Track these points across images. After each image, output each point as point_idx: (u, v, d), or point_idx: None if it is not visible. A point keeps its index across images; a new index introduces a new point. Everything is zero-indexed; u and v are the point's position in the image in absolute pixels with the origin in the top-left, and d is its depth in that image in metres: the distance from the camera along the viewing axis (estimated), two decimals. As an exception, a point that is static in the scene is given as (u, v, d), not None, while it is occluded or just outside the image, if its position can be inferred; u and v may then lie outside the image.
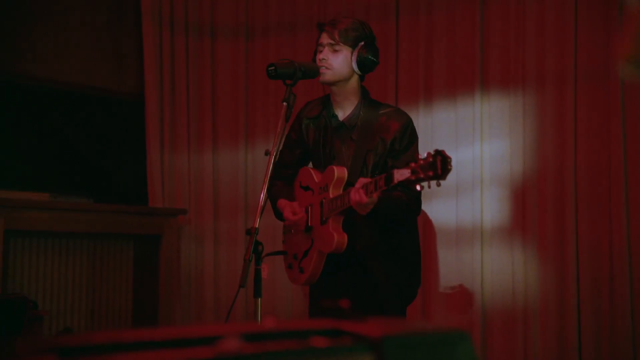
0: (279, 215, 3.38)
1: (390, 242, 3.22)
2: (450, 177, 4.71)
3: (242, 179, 5.60)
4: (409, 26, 5.08)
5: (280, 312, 5.33)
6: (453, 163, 4.68)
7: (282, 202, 3.34)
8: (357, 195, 2.90)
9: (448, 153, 4.72)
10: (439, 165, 2.59)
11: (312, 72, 3.16)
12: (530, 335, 4.53)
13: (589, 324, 4.37)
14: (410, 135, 3.23)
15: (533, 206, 4.57)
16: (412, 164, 2.67)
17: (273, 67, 3.07)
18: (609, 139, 4.37)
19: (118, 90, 5.53)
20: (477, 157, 4.74)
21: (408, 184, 2.69)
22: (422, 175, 2.63)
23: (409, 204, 3.15)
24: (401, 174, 2.70)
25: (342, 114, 3.32)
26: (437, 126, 4.90)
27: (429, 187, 2.65)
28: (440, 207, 4.80)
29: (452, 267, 4.77)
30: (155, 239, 5.15)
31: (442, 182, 2.64)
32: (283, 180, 3.47)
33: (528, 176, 4.60)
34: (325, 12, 5.38)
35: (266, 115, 5.61)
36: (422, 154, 2.67)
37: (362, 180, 2.93)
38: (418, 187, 2.66)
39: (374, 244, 3.18)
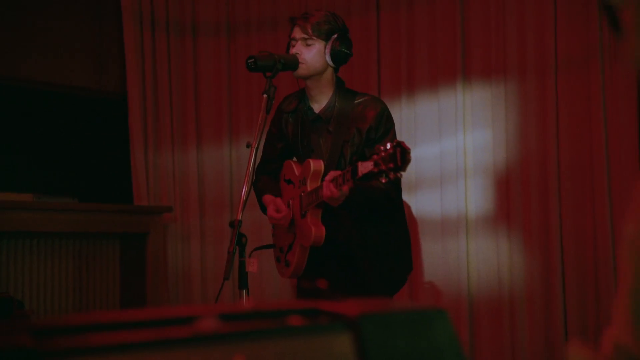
0: (264, 210, 3.39)
1: (374, 230, 3.23)
2: (435, 168, 4.80)
3: (227, 175, 5.60)
4: (390, 19, 5.09)
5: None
6: (437, 153, 4.75)
7: (267, 198, 3.36)
8: (328, 189, 2.92)
9: (432, 144, 4.79)
10: (399, 157, 2.60)
11: (292, 63, 3.17)
12: (517, 324, 4.55)
13: (575, 311, 4.40)
14: (385, 123, 3.23)
15: (517, 195, 4.59)
16: (375, 157, 2.68)
17: (253, 60, 3.08)
18: (590, 127, 4.39)
19: (100, 90, 5.51)
20: (460, 147, 4.75)
21: (372, 177, 2.70)
22: (383, 167, 2.64)
23: (387, 192, 3.16)
24: (365, 167, 2.71)
25: (317, 106, 3.33)
26: (420, 118, 4.91)
27: (391, 178, 2.66)
28: (425, 198, 4.81)
29: (438, 257, 4.78)
30: (141, 238, 5.14)
31: (403, 173, 2.65)
32: (268, 175, 3.48)
33: (511, 165, 4.62)
34: (306, 8, 5.37)
35: (250, 111, 5.61)
36: (385, 145, 2.67)
37: (332, 174, 2.95)
38: (383, 180, 2.67)
39: (356, 233, 3.20)
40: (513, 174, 4.61)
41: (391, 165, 2.63)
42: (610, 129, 4.34)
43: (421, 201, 4.84)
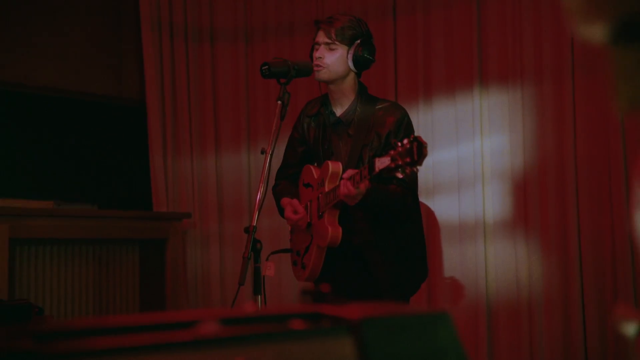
0: (283, 213, 3.41)
1: (389, 235, 3.24)
2: (452, 172, 4.80)
3: (245, 180, 5.62)
4: (406, 24, 5.10)
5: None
6: (454, 158, 4.75)
7: (285, 201, 3.37)
8: (345, 187, 2.93)
9: (450, 149, 4.78)
10: (415, 151, 2.63)
11: (306, 70, 3.18)
12: (536, 329, 4.53)
13: (594, 315, 4.38)
14: (405, 129, 3.24)
15: (534, 199, 4.57)
16: (392, 152, 2.70)
17: (267, 66, 3.10)
18: (608, 130, 4.38)
19: (119, 97, 5.56)
20: (477, 152, 4.75)
21: (389, 172, 2.72)
22: (400, 162, 2.66)
23: (404, 196, 3.17)
24: (382, 162, 2.73)
25: (339, 110, 3.35)
26: (437, 123, 4.91)
27: (407, 172, 2.68)
28: (443, 202, 4.81)
29: (456, 262, 4.78)
30: (160, 244, 5.17)
31: (419, 167, 2.68)
32: (288, 180, 3.50)
33: (529, 170, 4.61)
34: (323, 13, 5.39)
35: (267, 117, 5.63)
36: (402, 140, 2.69)
37: (350, 172, 2.97)
38: (400, 175, 2.69)
39: (372, 237, 3.21)
40: (530, 179, 4.60)
41: (408, 159, 2.65)
42: (628, 132, 4.32)
43: (439, 206, 4.83)
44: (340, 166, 3.17)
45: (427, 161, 3.45)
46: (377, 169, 2.76)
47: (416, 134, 3.34)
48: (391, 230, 3.25)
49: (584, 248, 4.42)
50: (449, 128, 4.87)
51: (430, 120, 4.93)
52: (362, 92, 3.34)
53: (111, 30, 5.57)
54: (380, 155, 2.78)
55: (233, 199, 5.60)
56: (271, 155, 2.96)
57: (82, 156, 5.34)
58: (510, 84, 4.69)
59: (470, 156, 4.77)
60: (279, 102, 3.03)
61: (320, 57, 3.23)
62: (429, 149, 3.50)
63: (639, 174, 1.13)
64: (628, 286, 4.26)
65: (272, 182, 3.04)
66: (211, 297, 5.50)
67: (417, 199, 3.32)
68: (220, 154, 5.64)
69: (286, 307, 1.09)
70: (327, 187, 3.16)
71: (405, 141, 2.67)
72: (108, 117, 5.50)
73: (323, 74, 3.24)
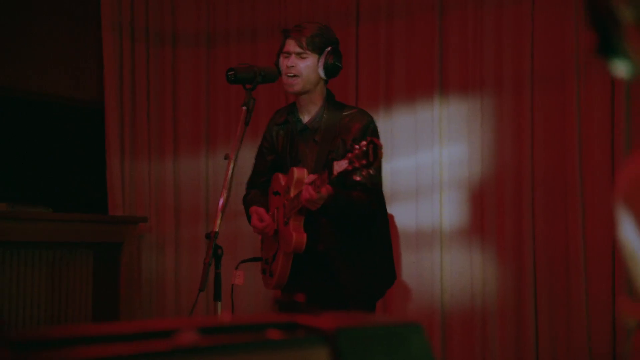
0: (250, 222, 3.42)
1: (354, 241, 3.25)
2: (411, 180, 4.82)
3: (203, 185, 5.60)
4: (369, 32, 5.12)
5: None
6: (413, 166, 4.78)
7: (252, 209, 3.38)
8: (306, 191, 2.94)
9: (409, 157, 4.81)
10: (371, 153, 2.64)
11: (272, 76, 3.18)
12: (489, 336, 4.58)
13: (546, 324, 4.44)
14: (371, 135, 3.26)
15: (491, 209, 4.62)
16: (349, 154, 2.72)
17: (233, 72, 3.09)
18: (565, 142, 4.45)
19: (77, 98, 5.50)
20: (436, 160, 4.79)
21: (347, 174, 2.74)
22: (357, 164, 2.68)
23: (368, 203, 3.19)
24: (340, 165, 2.75)
25: (306, 117, 3.36)
26: (397, 130, 4.94)
27: (364, 175, 2.69)
28: (401, 210, 4.84)
29: (412, 269, 4.81)
30: (115, 248, 5.11)
31: (371, 171, 2.71)
32: (258, 188, 3.50)
33: (486, 179, 4.66)
34: (286, 19, 5.40)
35: (227, 122, 5.61)
36: (360, 143, 2.71)
37: (311, 177, 2.97)
38: (358, 178, 2.71)
39: (337, 243, 3.22)
40: (487, 188, 4.65)
41: (364, 161, 2.67)
42: (584, 144, 4.39)
43: (397, 213, 4.86)
44: (305, 172, 3.17)
45: (386, 169, 3.50)
46: (335, 172, 2.78)
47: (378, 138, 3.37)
48: (356, 236, 3.26)
49: (538, 257, 4.48)
50: (409, 136, 4.90)
51: (390, 128, 4.95)
52: (329, 99, 3.36)
53: (71, 32, 5.50)
54: (339, 159, 2.80)
55: (190, 203, 5.57)
56: (235, 160, 2.95)
57: (37, 157, 5.27)
58: (470, 94, 4.74)
59: (428, 164, 4.80)
60: (244, 107, 3.03)
61: (293, 66, 3.23)
62: (388, 156, 3.55)
63: (619, 194, 1.13)
64: (580, 295, 4.32)
65: (235, 188, 3.02)
66: (166, 302, 5.47)
67: (383, 204, 3.34)
68: (179, 158, 5.61)
69: (262, 317, 1.09)
70: (292, 194, 3.16)
71: (362, 143, 2.70)
72: (65, 119, 5.44)
73: (297, 87, 3.26)
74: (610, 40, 1.06)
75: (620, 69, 1.06)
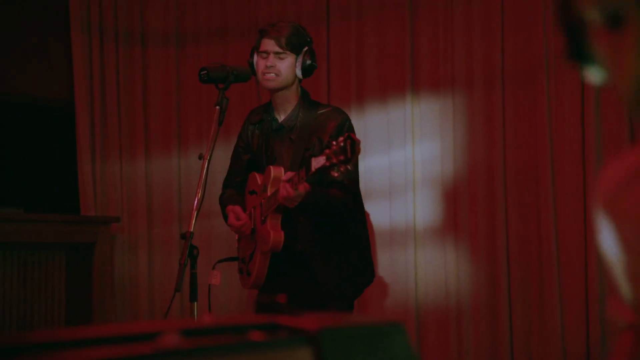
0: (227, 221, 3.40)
1: (332, 239, 3.25)
2: (384, 179, 4.83)
3: (175, 185, 5.57)
4: (339, 31, 5.13)
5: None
6: (386, 165, 4.79)
7: (229, 208, 3.36)
8: (284, 189, 2.94)
9: (381, 155, 4.82)
10: (349, 149, 2.65)
11: (244, 75, 3.18)
12: (463, 333, 4.60)
13: (520, 320, 4.47)
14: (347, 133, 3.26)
15: (464, 206, 4.65)
16: (327, 150, 2.72)
17: (205, 72, 3.08)
18: (536, 139, 4.48)
19: (48, 98, 5.45)
20: (409, 158, 4.80)
21: (325, 170, 2.74)
22: (335, 160, 2.69)
23: (345, 201, 3.19)
24: (318, 162, 2.75)
25: (282, 116, 3.35)
26: (369, 129, 4.95)
27: (342, 171, 2.70)
28: (375, 208, 4.84)
29: (386, 267, 4.82)
30: (88, 248, 5.08)
31: (349, 167, 2.71)
32: (234, 188, 3.49)
33: (459, 177, 4.68)
34: (256, 18, 5.39)
35: (199, 121, 5.59)
36: (337, 139, 2.71)
37: (289, 174, 2.98)
38: (335, 174, 2.71)
39: (314, 242, 3.21)
40: (460, 185, 4.67)
41: (342, 157, 2.67)
42: (555, 141, 4.42)
43: (370, 211, 4.86)
44: (281, 171, 3.17)
45: (359, 167, 3.49)
46: (313, 169, 2.78)
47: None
48: (334, 234, 3.26)
49: (511, 254, 4.51)
50: (381, 134, 4.91)
51: (362, 126, 4.95)
52: (305, 98, 3.36)
53: (40, 32, 5.45)
54: (317, 155, 2.80)
55: (163, 203, 5.54)
56: (209, 160, 2.94)
57: (7, 158, 5.22)
58: (442, 91, 4.76)
59: (401, 163, 4.82)
60: (217, 107, 3.02)
61: (272, 66, 3.23)
62: (361, 154, 3.53)
63: (599, 200, 1.13)
64: (554, 292, 4.35)
65: (209, 187, 3.01)
66: (139, 302, 5.44)
67: (361, 202, 3.35)
68: (150, 157, 5.58)
69: (243, 318, 1.08)
70: (269, 192, 3.16)
71: (339, 139, 2.70)
72: (35, 119, 5.39)
73: (276, 83, 3.25)
74: (578, 44, 1.03)
75: (591, 74, 1.03)
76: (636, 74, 0.95)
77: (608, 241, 1.11)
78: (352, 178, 3.25)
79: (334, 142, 2.71)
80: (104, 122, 5.49)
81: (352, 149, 2.66)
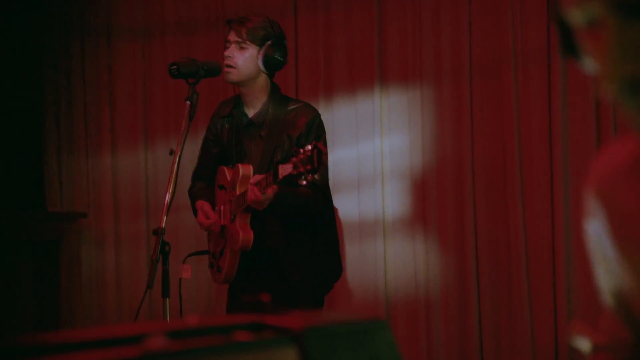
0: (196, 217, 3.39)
1: (301, 236, 3.25)
2: (352, 171, 4.84)
3: (142, 179, 5.54)
4: (307, 24, 5.12)
5: (200, 310, 5.30)
6: (354, 157, 4.79)
7: (198, 204, 3.35)
8: (252, 192, 2.93)
9: (350, 148, 4.83)
10: (316, 159, 2.64)
11: (215, 70, 3.16)
12: (433, 325, 4.63)
13: (489, 313, 4.50)
14: (316, 130, 3.26)
15: (433, 198, 4.67)
16: (294, 159, 2.71)
17: (175, 66, 3.06)
18: (504, 132, 4.51)
19: (12, 94, 5.38)
20: (377, 151, 4.81)
21: (291, 179, 2.72)
22: (302, 170, 2.67)
23: (315, 198, 3.19)
24: (285, 169, 2.74)
25: (252, 111, 3.34)
26: (337, 122, 4.95)
27: (309, 180, 2.68)
28: (343, 201, 4.85)
29: (355, 260, 4.83)
30: (54, 244, 5.03)
31: (317, 176, 2.69)
32: (204, 181, 3.47)
33: (427, 169, 4.70)
34: (223, 12, 5.36)
35: (166, 115, 5.55)
36: (305, 147, 2.70)
37: (257, 177, 2.97)
38: (303, 182, 2.70)
39: (284, 239, 3.21)
40: (429, 178, 4.69)
41: (309, 167, 2.66)
42: (523, 134, 4.45)
43: (339, 204, 4.86)
44: (250, 169, 3.16)
45: (328, 159, 3.49)
46: (280, 176, 2.77)
47: (324, 132, 3.37)
48: (303, 232, 3.26)
49: (480, 247, 4.54)
50: (350, 127, 4.91)
51: (330, 119, 4.95)
52: (275, 93, 3.34)
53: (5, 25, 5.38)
54: (284, 162, 2.79)
55: (130, 198, 5.51)
56: (180, 156, 2.92)
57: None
58: (410, 84, 4.77)
59: (370, 155, 4.83)
60: (188, 102, 3.00)
61: (230, 57, 3.21)
62: (329, 147, 3.53)
63: (592, 187, 1.16)
64: (522, 284, 4.39)
65: (179, 183, 2.99)
66: (107, 298, 5.40)
67: (330, 200, 3.34)
68: (117, 152, 5.54)
69: (228, 318, 1.08)
70: (238, 191, 3.15)
71: (307, 148, 2.68)
72: (0, 114, 5.32)
73: (233, 76, 3.23)
74: (566, 41, 1.13)
75: (583, 65, 1.11)
76: (614, 69, 1.03)
77: (596, 229, 1.13)
78: (321, 183, 3.25)
79: (301, 150, 2.69)
80: (70, 117, 5.44)
81: (318, 159, 2.65)
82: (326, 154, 2.68)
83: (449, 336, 4.58)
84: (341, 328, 1.11)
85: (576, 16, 1.07)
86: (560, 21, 1.12)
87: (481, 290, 4.52)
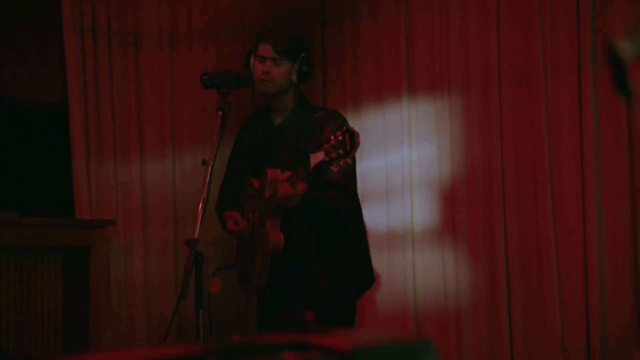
0: (225, 227, 3.38)
1: (330, 243, 3.23)
2: (381, 181, 4.83)
3: (170, 188, 5.56)
4: (335, 32, 5.12)
5: (228, 324, 5.30)
6: (382, 167, 4.78)
7: (226, 214, 3.34)
8: (282, 188, 2.93)
9: (378, 157, 4.81)
10: (348, 142, 2.63)
11: (247, 80, 3.16)
12: (463, 335, 4.60)
13: (520, 321, 4.46)
14: None
15: (462, 208, 4.64)
16: (325, 145, 2.70)
17: (207, 76, 3.06)
18: (534, 140, 4.47)
19: (41, 101, 5.42)
20: (406, 160, 4.80)
21: (323, 166, 2.71)
22: (334, 155, 2.67)
23: (343, 203, 3.18)
24: (316, 157, 2.73)
25: (279, 118, 3.34)
26: (365, 131, 4.94)
27: (342, 165, 2.67)
28: (372, 211, 4.84)
29: (384, 270, 4.81)
30: (83, 251, 5.05)
31: (350, 159, 2.68)
32: (230, 194, 3.47)
33: (456, 178, 4.68)
34: (250, 19, 5.38)
35: (193, 123, 5.57)
36: (336, 134, 2.69)
37: (287, 174, 2.97)
38: (334, 168, 2.70)
39: (312, 247, 3.20)
40: (458, 187, 4.66)
41: (341, 151, 2.66)
42: (553, 142, 4.42)
43: (367, 214, 4.83)
44: (278, 172, 3.15)
45: (356, 169, 3.48)
46: (312, 165, 2.76)
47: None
48: (331, 238, 3.25)
49: (510, 255, 4.50)
50: (378, 137, 4.90)
51: (358, 128, 4.83)
52: (301, 101, 3.35)
53: (32, 34, 5.42)
54: (315, 151, 2.77)
55: (157, 206, 5.52)
56: (212, 166, 2.92)
57: (2, 161, 5.19)
58: (438, 93, 4.75)
59: (398, 165, 4.81)
60: (220, 112, 3.00)
61: (268, 72, 3.22)
62: (357, 156, 3.51)
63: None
64: (553, 293, 4.35)
65: (213, 192, 2.99)
66: (135, 305, 5.42)
67: (358, 204, 3.33)
68: (145, 160, 5.56)
69: (273, 338, 1.08)
70: (267, 194, 3.14)
71: (337, 133, 2.69)
72: (29, 122, 5.36)
73: (270, 89, 3.24)
74: (618, 76, 1.11)
75: (628, 101, 1.11)
76: None
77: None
78: (350, 179, 3.24)
79: (332, 137, 2.69)
80: (98, 124, 5.46)
81: (351, 142, 2.64)
82: (358, 135, 2.67)
83: (480, 346, 4.55)
84: (389, 348, 1.10)
85: (626, 48, 1.06)
86: (612, 55, 1.10)
87: (512, 299, 4.48)
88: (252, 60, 3.32)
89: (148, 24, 5.62)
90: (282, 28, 3.31)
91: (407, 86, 4.84)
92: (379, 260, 4.84)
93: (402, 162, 4.80)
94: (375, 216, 4.84)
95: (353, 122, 4.95)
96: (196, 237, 2.77)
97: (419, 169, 4.77)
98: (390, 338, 1.12)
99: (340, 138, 2.66)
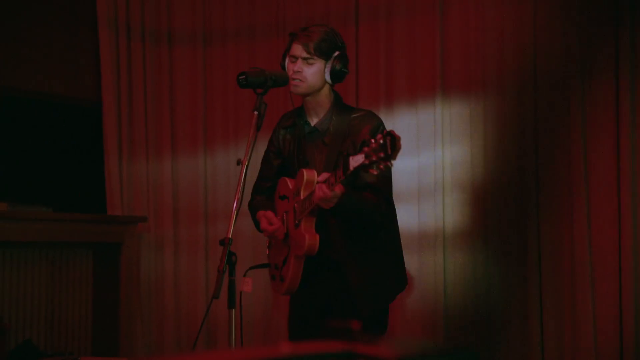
0: (259, 227, 3.36)
1: (365, 245, 3.22)
2: (413, 182, 4.80)
3: (201, 185, 5.57)
4: (368, 31, 5.09)
5: (258, 325, 5.31)
6: (415, 168, 4.76)
7: (260, 214, 3.32)
8: (320, 190, 2.90)
9: (410, 158, 4.79)
10: (389, 145, 2.60)
11: (283, 80, 3.14)
12: (494, 339, 4.56)
13: (552, 325, 4.43)
14: None
15: (494, 210, 4.61)
16: (365, 148, 2.67)
17: (244, 76, 3.05)
18: (569, 142, 4.43)
19: (75, 97, 5.45)
20: (438, 162, 4.77)
21: (363, 169, 2.69)
22: (374, 158, 2.63)
23: (378, 204, 3.15)
24: (356, 160, 2.69)
25: (314, 119, 3.32)
26: (398, 131, 4.79)
27: (382, 168, 2.64)
28: (403, 212, 4.79)
29: (414, 271, 4.79)
30: (115, 247, 5.09)
31: (393, 162, 2.64)
32: (263, 194, 3.45)
33: (489, 180, 4.64)
34: (284, 19, 5.37)
35: (225, 121, 5.58)
36: (376, 137, 2.66)
37: (325, 175, 2.94)
38: (374, 172, 2.66)
39: (347, 249, 3.18)
40: (490, 189, 4.63)
41: (382, 154, 2.62)
42: (589, 144, 4.37)
43: (399, 215, 4.80)
44: (314, 174, 3.13)
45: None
46: (351, 167, 2.73)
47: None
48: (366, 240, 3.23)
49: (543, 259, 4.46)
50: (410, 137, 4.87)
51: (391, 129, 4.91)
52: (337, 102, 3.32)
53: (68, 31, 5.46)
54: (354, 154, 2.74)
55: (189, 203, 5.54)
56: (247, 165, 2.91)
57: (36, 157, 5.23)
58: (472, 93, 4.72)
59: (431, 166, 4.78)
60: (255, 112, 2.99)
61: (299, 72, 3.19)
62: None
63: None
64: (587, 297, 4.31)
65: (246, 193, 2.99)
66: (165, 301, 5.44)
67: (393, 206, 3.31)
68: (177, 157, 5.58)
69: (319, 346, 1.07)
70: (302, 195, 3.12)
71: (378, 136, 2.65)
72: (63, 118, 5.40)
73: (302, 89, 3.21)
74: None
75: None
76: None
77: None
78: (387, 182, 3.22)
79: (373, 140, 2.65)
80: (131, 122, 5.49)
81: (392, 145, 2.60)
82: (400, 139, 2.63)
83: (511, 348, 4.51)
84: (434, 358, 1.09)
85: None
86: None
87: (544, 302, 4.45)
88: (286, 61, 3.30)
89: (182, 22, 5.65)
90: (314, 27, 3.28)
91: (441, 87, 4.81)
92: (410, 262, 4.80)
93: (435, 163, 4.77)
94: (406, 217, 4.80)
95: (386, 122, 4.90)
96: (230, 236, 2.76)
97: (452, 170, 4.74)
98: (436, 348, 1.11)
99: (382, 141, 2.62)
